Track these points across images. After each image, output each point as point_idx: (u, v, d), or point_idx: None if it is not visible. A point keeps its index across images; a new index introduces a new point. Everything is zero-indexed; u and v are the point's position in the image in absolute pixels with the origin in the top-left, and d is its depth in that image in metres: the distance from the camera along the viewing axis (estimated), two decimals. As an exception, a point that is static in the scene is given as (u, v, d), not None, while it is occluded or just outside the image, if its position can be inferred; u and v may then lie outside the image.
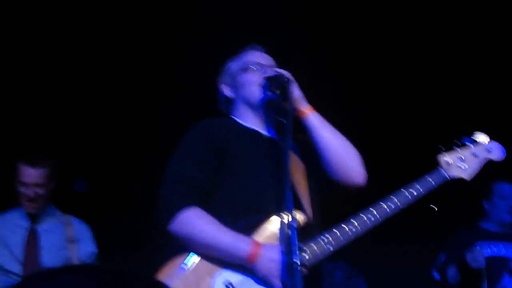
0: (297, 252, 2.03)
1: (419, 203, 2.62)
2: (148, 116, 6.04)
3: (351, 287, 2.74)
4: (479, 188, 4.56)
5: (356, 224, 2.45)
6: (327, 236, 2.42)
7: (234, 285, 2.30)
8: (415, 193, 2.54)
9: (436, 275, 4.45)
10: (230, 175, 2.49)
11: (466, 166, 2.66)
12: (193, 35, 5.35)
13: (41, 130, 5.76)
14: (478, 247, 4.09)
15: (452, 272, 4.24)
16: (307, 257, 2.35)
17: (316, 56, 5.50)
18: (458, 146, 2.71)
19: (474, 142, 2.72)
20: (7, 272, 3.64)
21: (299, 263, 2.02)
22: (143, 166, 6.31)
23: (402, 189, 2.56)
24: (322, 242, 2.40)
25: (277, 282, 2.22)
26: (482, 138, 2.71)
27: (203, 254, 2.34)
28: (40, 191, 3.76)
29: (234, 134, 2.61)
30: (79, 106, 5.84)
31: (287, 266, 2.06)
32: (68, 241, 3.83)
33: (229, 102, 2.82)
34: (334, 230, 2.43)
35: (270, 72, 2.62)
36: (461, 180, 2.66)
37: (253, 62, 2.73)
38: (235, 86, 2.76)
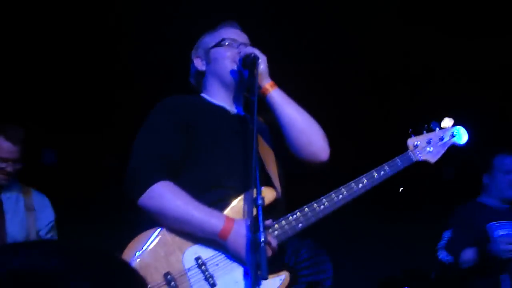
0: (263, 229, 2.03)
1: (389, 182, 2.68)
2: (121, 84, 5.95)
3: (316, 265, 2.73)
4: (479, 161, 4.40)
5: (326, 203, 2.50)
6: (297, 213, 2.46)
7: (204, 260, 2.30)
8: (382, 173, 2.61)
9: (445, 256, 4.07)
10: (197, 151, 2.49)
11: (432, 150, 2.74)
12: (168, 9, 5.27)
13: (10, 97, 5.65)
14: (501, 236, 3.93)
15: (468, 256, 3.93)
16: (276, 233, 2.38)
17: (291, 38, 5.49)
18: (426, 130, 2.79)
19: (440, 126, 2.80)
20: None
21: (264, 240, 2.02)
22: (115, 137, 6.28)
23: (372, 170, 2.62)
24: (292, 219, 2.44)
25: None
26: (447, 122, 2.79)
27: (174, 228, 2.33)
28: (17, 165, 3.80)
29: (202, 111, 2.62)
30: (48, 71, 5.70)
31: (253, 243, 2.08)
32: (26, 210, 3.88)
33: (200, 75, 2.83)
34: (305, 207, 2.48)
35: (243, 50, 2.64)
36: (427, 163, 2.74)
37: (229, 37, 2.75)
38: (208, 60, 2.77)
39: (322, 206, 2.49)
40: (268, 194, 2.44)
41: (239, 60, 2.62)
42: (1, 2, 4.85)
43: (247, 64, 2.55)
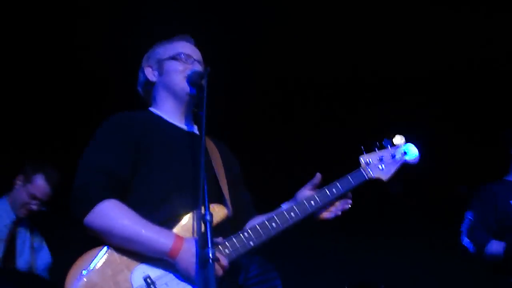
0: (212, 245, 2.01)
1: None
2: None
3: (266, 282, 2.73)
4: (506, 135, 4.22)
5: (278, 221, 2.49)
6: (249, 231, 2.44)
7: (153, 279, 2.25)
8: (335, 191, 2.63)
9: (468, 243, 3.95)
10: (147, 168, 2.45)
11: (384, 167, 2.75)
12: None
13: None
14: None
15: (495, 250, 3.81)
16: (227, 251, 2.35)
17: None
18: (378, 148, 2.80)
19: (392, 144, 2.81)
20: None
21: (212, 257, 1.99)
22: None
23: (324, 188, 2.64)
24: (243, 237, 2.41)
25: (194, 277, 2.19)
26: (399, 140, 2.80)
27: (121, 248, 2.27)
28: (42, 207, 4.07)
29: (151, 128, 2.58)
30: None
31: (201, 259, 2.04)
32: (31, 248, 4.08)
33: (149, 85, 2.81)
34: (256, 226, 2.46)
35: (196, 66, 2.68)
36: (379, 181, 2.75)
37: (184, 52, 2.75)
38: (160, 71, 2.75)
39: (274, 224, 2.48)
40: (219, 212, 2.45)
41: (187, 77, 2.63)
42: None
43: (194, 81, 2.57)
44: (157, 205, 2.39)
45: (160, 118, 2.69)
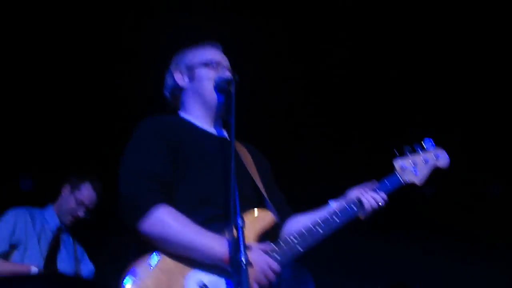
0: (244, 250, 2.04)
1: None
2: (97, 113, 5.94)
3: (299, 284, 2.72)
4: None
5: (323, 225, 2.51)
6: (296, 235, 2.45)
7: (208, 285, 2.25)
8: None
9: None
10: (184, 171, 2.45)
11: (418, 172, 2.79)
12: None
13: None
14: None
15: None
16: (277, 256, 2.36)
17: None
18: (410, 152, 2.84)
19: (423, 148, 2.85)
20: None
21: (245, 261, 2.01)
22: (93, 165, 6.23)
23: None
24: (291, 242, 2.43)
25: (251, 283, 2.18)
26: (429, 145, 2.86)
27: (175, 254, 2.26)
28: (87, 215, 4.27)
29: (184, 132, 2.60)
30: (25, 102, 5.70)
31: (235, 265, 2.06)
32: (75, 259, 4.24)
33: (178, 90, 2.82)
34: (303, 230, 2.48)
35: (226, 74, 2.69)
36: (413, 185, 2.78)
37: (215, 60, 2.77)
38: (191, 77, 2.77)
39: (319, 229, 2.50)
40: (266, 217, 2.50)
41: (215, 84, 2.66)
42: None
43: (222, 87, 2.60)
44: (196, 206, 2.39)
45: (191, 124, 2.70)
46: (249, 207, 2.46)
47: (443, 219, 6.62)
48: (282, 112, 6.05)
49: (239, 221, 2.09)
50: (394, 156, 2.82)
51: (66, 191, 4.26)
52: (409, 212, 6.58)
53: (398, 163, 2.79)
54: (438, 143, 2.88)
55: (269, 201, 2.64)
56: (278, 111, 6.00)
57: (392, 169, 2.78)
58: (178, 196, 2.40)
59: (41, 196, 4.49)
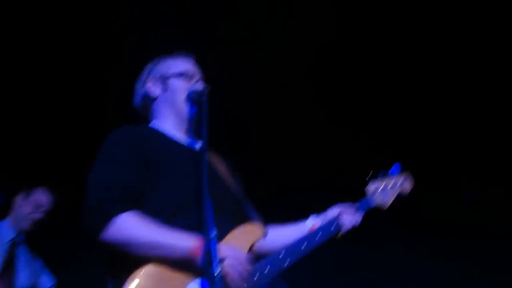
0: (217, 262, 2.01)
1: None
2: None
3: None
4: None
5: (307, 242, 2.58)
6: (282, 251, 2.49)
7: None
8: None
9: None
10: (157, 182, 2.43)
11: (386, 197, 2.94)
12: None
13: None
14: None
15: None
16: (265, 272, 2.38)
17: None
18: (382, 176, 2.99)
19: (393, 174, 3.00)
20: None
21: (219, 274, 1.99)
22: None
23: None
24: (278, 258, 2.46)
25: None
26: (398, 170, 3.02)
27: (144, 257, 2.20)
28: (45, 216, 4.29)
29: (156, 143, 2.58)
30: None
31: (208, 277, 2.00)
32: (33, 273, 4.20)
33: (149, 100, 2.81)
34: (289, 246, 2.53)
35: (198, 86, 2.72)
36: (379, 209, 2.92)
37: (189, 72, 2.79)
38: (165, 87, 2.77)
39: (304, 245, 2.56)
40: (257, 231, 2.52)
41: (187, 95, 2.66)
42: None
43: (195, 99, 2.61)
44: (169, 220, 2.35)
45: (162, 134, 2.69)
46: (229, 218, 2.47)
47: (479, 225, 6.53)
48: (255, 123, 6.05)
49: (212, 232, 2.07)
50: (366, 179, 2.98)
51: (20, 199, 4.24)
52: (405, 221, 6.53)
53: (370, 187, 2.93)
54: (405, 169, 3.01)
55: (253, 211, 2.69)
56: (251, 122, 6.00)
57: (364, 191, 2.93)
58: (149, 207, 2.36)
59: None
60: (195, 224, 2.31)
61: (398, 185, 2.96)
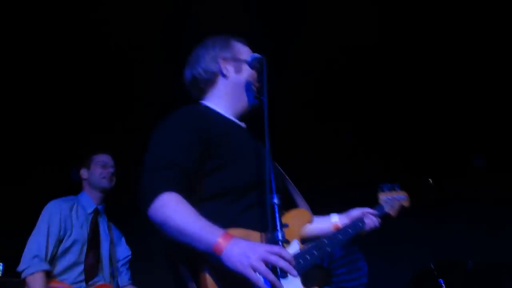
0: (280, 227, 2.06)
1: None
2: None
3: (350, 262, 2.75)
4: None
5: (341, 233, 2.80)
6: (325, 239, 2.61)
7: None
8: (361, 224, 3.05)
9: None
10: (219, 162, 2.42)
11: (395, 206, 3.45)
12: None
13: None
14: None
15: None
16: (316, 253, 2.46)
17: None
18: (389, 189, 3.52)
19: (395, 189, 3.55)
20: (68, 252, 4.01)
21: (282, 239, 2.04)
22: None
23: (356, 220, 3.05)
24: (323, 244, 2.56)
25: (247, 272, 2.03)
26: (399, 187, 3.58)
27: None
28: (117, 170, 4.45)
29: (218, 124, 2.55)
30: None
31: (270, 242, 2.06)
32: (111, 242, 4.31)
33: (216, 77, 2.74)
34: (331, 234, 2.73)
35: (259, 79, 2.66)
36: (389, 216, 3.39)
37: (260, 63, 2.66)
38: (237, 70, 2.73)
39: (340, 236, 2.77)
40: (307, 215, 2.71)
41: (249, 62, 2.64)
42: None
43: (255, 65, 2.58)
44: (238, 196, 2.38)
45: (220, 114, 2.68)
46: (282, 200, 2.42)
47: (496, 192, 6.48)
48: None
49: (275, 200, 2.11)
50: (376, 190, 3.52)
51: (84, 171, 4.36)
52: (458, 187, 6.49)
53: (382, 196, 3.47)
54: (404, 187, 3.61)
55: (301, 198, 2.84)
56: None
57: (376, 200, 3.44)
58: (214, 187, 2.38)
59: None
60: (260, 201, 2.36)
61: (401, 199, 3.50)
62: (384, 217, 3.28)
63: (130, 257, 4.46)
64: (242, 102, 2.72)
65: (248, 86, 2.71)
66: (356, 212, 3.10)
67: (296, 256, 2.33)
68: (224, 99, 2.72)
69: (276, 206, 2.10)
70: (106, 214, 4.42)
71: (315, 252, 2.46)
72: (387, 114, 6.59)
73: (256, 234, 2.26)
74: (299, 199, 2.83)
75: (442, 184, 6.85)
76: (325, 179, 6.52)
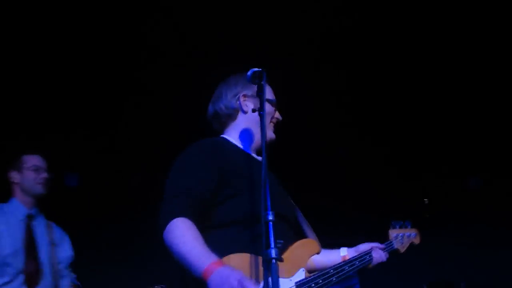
0: (274, 245, 2.05)
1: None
2: (143, 107, 6.01)
3: (344, 280, 2.89)
4: None
5: (348, 265, 2.87)
6: (331, 270, 2.70)
7: None
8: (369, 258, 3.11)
9: None
10: (232, 191, 2.53)
11: (403, 243, 3.51)
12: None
13: (31, 121, 5.72)
14: None
15: None
16: (321, 282, 2.57)
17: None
18: (400, 226, 3.57)
19: (406, 226, 3.60)
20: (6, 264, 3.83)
21: (275, 257, 2.03)
22: (137, 159, 6.33)
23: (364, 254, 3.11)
24: (328, 275, 2.65)
25: None
26: (410, 224, 3.63)
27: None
28: (49, 174, 4.19)
29: (231, 155, 2.69)
30: (68, 95, 5.74)
31: (264, 260, 2.06)
32: (50, 243, 4.11)
33: (236, 113, 2.87)
34: (337, 265, 2.78)
35: (277, 116, 2.93)
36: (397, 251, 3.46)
37: (274, 100, 2.92)
38: (255, 107, 2.72)
39: (347, 267, 2.84)
40: (315, 246, 2.72)
41: (248, 75, 2.63)
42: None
43: (255, 78, 2.55)
44: (249, 224, 2.46)
45: (236, 147, 2.81)
46: (292, 231, 2.71)
47: (490, 214, 6.49)
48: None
49: (270, 217, 2.11)
50: (388, 226, 3.56)
51: (14, 175, 4.13)
52: (452, 208, 6.50)
53: (392, 233, 3.51)
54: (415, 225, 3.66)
55: (310, 229, 2.95)
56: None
57: (386, 236, 3.49)
58: (226, 214, 2.50)
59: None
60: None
61: (411, 236, 3.56)
62: (392, 252, 3.35)
63: (72, 257, 4.27)
64: (259, 136, 2.81)
65: (268, 121, 2.86)
66: (364, 246, 3.13)
67: (301, 284, 2.48)
68: (243, 133, 2.86)
69: (270, 224, 2.10)
70: (44, 214, 4.21)
71: (320, 281, 2.58)
72: (383, 134, 6.60)
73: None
74: (309, 231, 2.93)
75: (437, 204, 6.95)
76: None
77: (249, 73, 2.62)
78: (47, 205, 4.19)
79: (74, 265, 4.27)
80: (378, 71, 5.88)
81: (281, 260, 2.15)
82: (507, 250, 6.37)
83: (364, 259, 3.02)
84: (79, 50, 5.31)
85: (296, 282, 2.47)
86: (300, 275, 2.52)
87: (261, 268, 2.28)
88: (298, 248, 2.60)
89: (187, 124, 4.93)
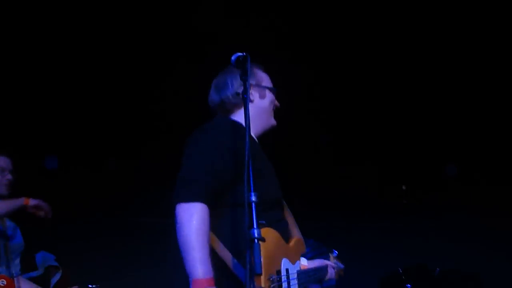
0: (257, 225, 2.10)
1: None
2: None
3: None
4: None
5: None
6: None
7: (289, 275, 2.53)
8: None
9: None
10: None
11: (333, 273, 3.25)
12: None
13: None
14: None
15: None
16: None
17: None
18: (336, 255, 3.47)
19: (335, 255, 3.44)
20: None
21: (258, 237, 2.08)
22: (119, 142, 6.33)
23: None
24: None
25: None
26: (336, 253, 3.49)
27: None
28: (13, 175, 4.16)
29: (243, 139, 2.62)
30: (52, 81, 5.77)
31: (247, 239, 2.10)
32: (1, 236, 4.12)
33: (237, 99, 2.88)
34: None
35: (276, 103, 3.02)
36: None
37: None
38: (261, 95, 2.94)
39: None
40: (302, 248, 2.82)
41: (232, 60, 2.65)
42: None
43: (239, 62, 2.58)
44: (270, 207, 2.57)
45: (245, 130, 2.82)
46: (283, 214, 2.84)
47: (465, 200, 6.60)
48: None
49: (253, 198, 2.15)
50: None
51: None
52: (429, 195, 6.59)
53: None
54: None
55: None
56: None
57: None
58: (239, 199, 2.48)
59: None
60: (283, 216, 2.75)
61: (339, 265, 3.38)
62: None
63: (23, 247, 4.29)
64: (264, 124, 2.96)
65: (269, 110, 2.97)
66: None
67: (301, 273, 2.65)
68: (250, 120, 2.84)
69: (253, 204, 2.14)
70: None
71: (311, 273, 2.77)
72: (362, 123, 6.66)
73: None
74: (296, 229, 2.91)
75: (414, 191, 7.05)
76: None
77: (233, 57, 2.65)
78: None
79: (50, 248, 4.38)
80: (356, 58, 5.94)
81: (263, 240, 2.18)
82: (482, 237, 6.50)
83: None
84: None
85: (297, 270, 2.62)
86: (297, 266, 2.67)
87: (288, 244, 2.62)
88: (297, 242, 2.77)
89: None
